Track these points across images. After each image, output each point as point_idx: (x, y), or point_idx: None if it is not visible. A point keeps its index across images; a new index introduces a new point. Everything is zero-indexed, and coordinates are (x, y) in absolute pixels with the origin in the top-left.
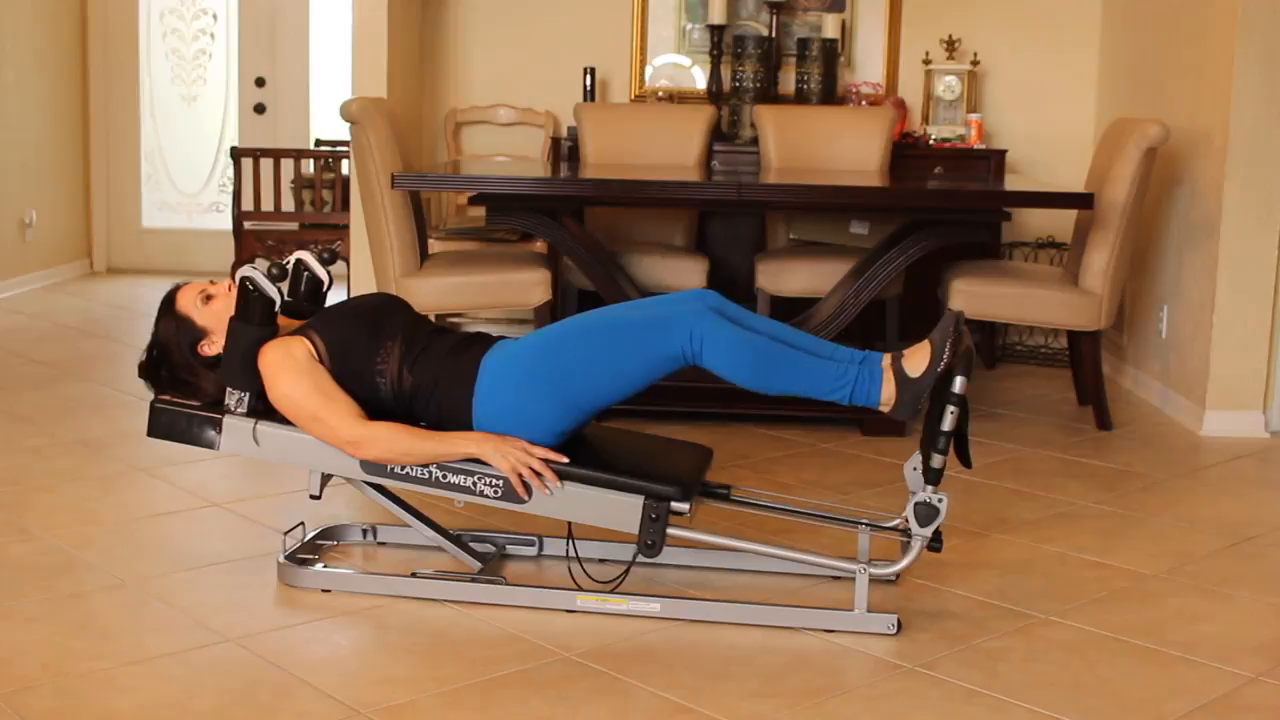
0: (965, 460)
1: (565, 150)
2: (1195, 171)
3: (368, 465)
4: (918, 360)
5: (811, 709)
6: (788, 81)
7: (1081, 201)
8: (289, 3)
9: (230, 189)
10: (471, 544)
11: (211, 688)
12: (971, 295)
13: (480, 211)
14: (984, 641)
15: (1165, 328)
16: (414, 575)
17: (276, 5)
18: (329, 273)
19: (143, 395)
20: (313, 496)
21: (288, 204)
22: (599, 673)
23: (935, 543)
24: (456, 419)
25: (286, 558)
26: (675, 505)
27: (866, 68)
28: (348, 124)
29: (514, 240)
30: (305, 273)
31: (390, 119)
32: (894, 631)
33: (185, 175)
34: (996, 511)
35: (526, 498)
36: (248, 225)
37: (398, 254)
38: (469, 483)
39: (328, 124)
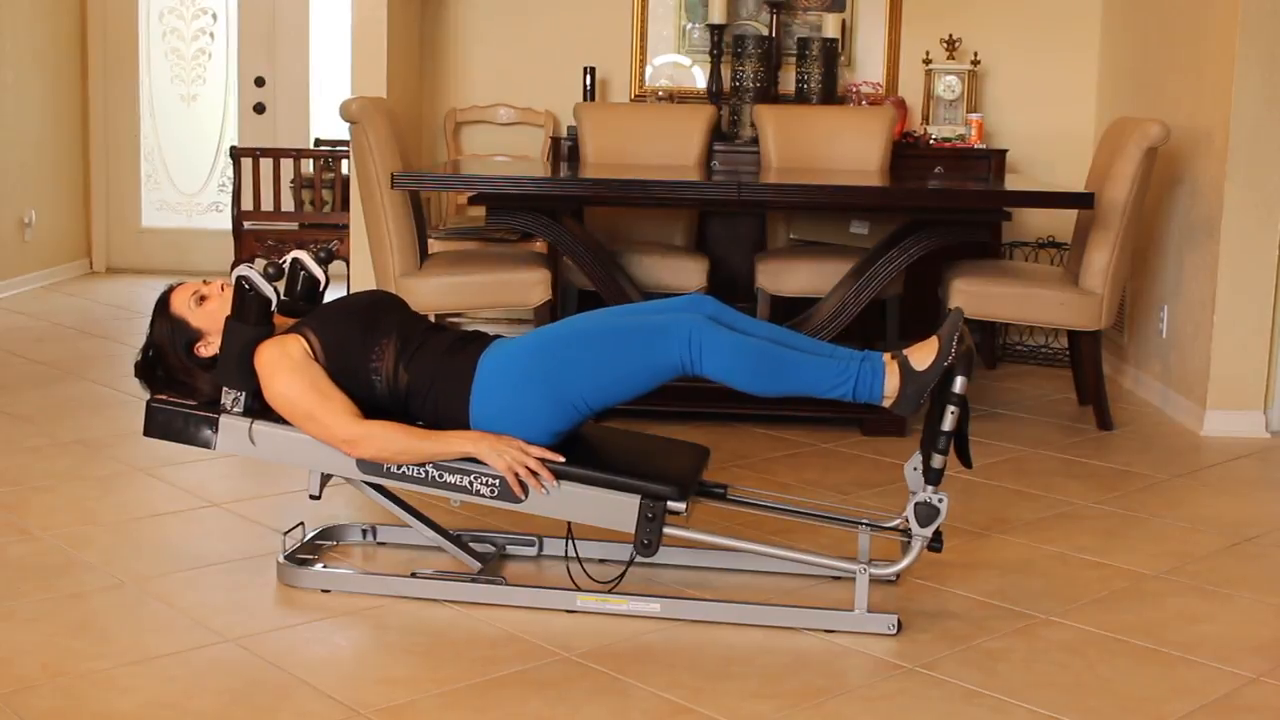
0: (965, 460)
1: (565, 150)
2: (1195, 171)
3: (364, 464)
4: (924, 354)
5: (811, 709)
6: (788, 81)
7: (1082, 201)
8: (289, 3)
9: (230, 189)
10: (471, 544)
11: (211, 688)
12: (971, 295)
13: (480, 211)
14: (984, 641)
15: (1165, 328)
16: (414, 575)
17: (276, 5)
18: (325, 272)
19: (141, 395)
20: (312, 496)
21: (287, 204)
22: (599, 673)
23: (935, 543)
24: (453, 418)
25: (286, 558)
26: (672, 505)
27: (866, 67)
28: (347, 124)
29: (514, 240)
30: (302, 272)
31: (390, 119)
32: (894, 631)
33: (185, 175)
34: (996, 511)
35: (523, 497)
36: (247, 225)
37: (397, 254)
38: (465, 482)
39: (327, 124)
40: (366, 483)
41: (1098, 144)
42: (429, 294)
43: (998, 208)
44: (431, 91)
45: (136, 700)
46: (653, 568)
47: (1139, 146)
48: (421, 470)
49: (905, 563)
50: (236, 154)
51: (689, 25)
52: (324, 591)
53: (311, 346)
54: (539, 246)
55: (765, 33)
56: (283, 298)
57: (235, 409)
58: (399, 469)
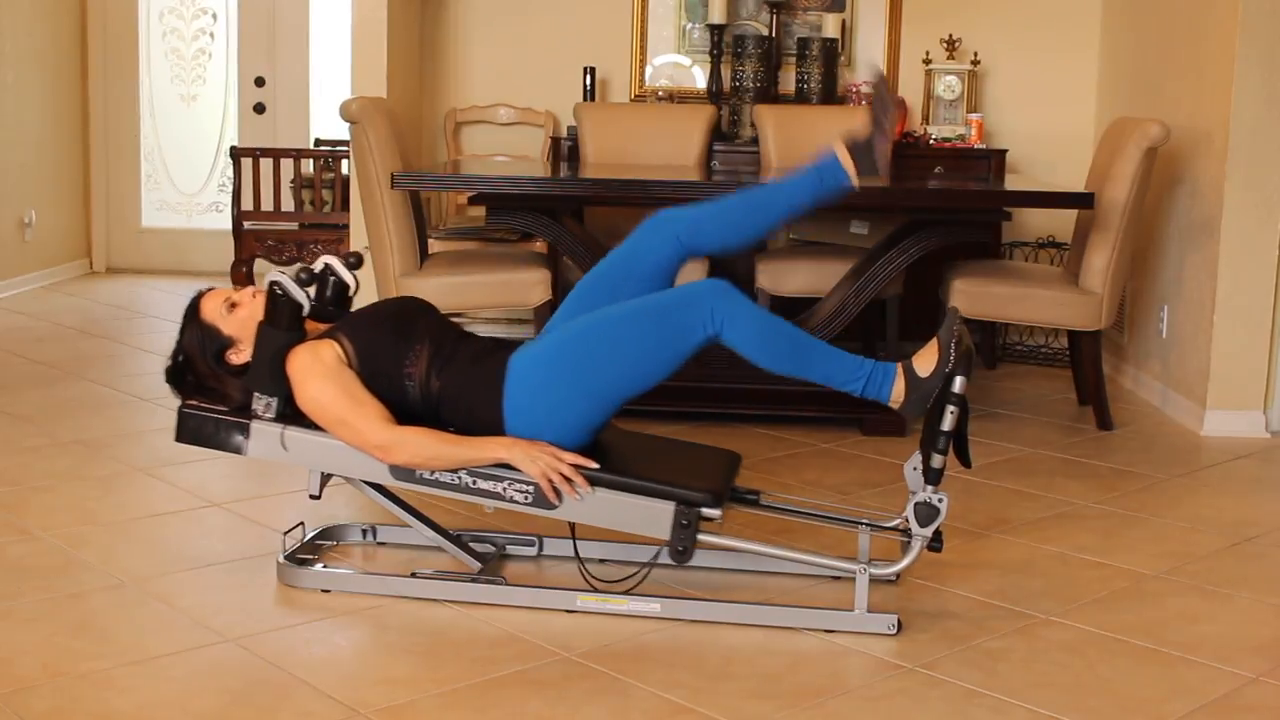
0: (965, 460)
1: (565, 150)
2: (1195, 171)
3: (396, 470)
4: (926, 360)
5: (811, 709)
6: (788, 81)
7: (1082, 201)
8: (289, 3)
9: (230, 189)
10: (471, 544)
11: (211, 688)
12: (971, 295)
13: (480, 211)
14: (984, 641)
15: (1165, 327)
16: (414, 575)
17: (276, 5)
18: (355, 277)
19: (141, 395)
20: (312, 496)
21: (287, 204)
22: (599, 673)
23: (935, 543)
24: (487, 424)
25: (286, 558)
26: (706, 511)
27: (867, 67)
28: (347, 124)
29: (514, 240)
30: (331, 277)
31: (390, 119)
32: (894, 631)
33: (185, 175)
34: (996, 511)
35: (557, 503)
36: (247, 225)
37: (397, 254)
38: (499, 488)
39: (327, 124)
40: (368, 483)
41: (1098, 144)
42: (429, 294)
43: (998, 208)
44: (431, 91)
45: (136, 700)
46: (653, 567)
47: (1139, 146)
48: (454, 476)
49: (905, 563)
50: (236, 154)
51: (689, 25)
52: (324, 591)
53: (344, 352)
54: (539, 246)
55: (765, 33)
56: (313, 303)
57: (267, 414)
58: (431, 475)
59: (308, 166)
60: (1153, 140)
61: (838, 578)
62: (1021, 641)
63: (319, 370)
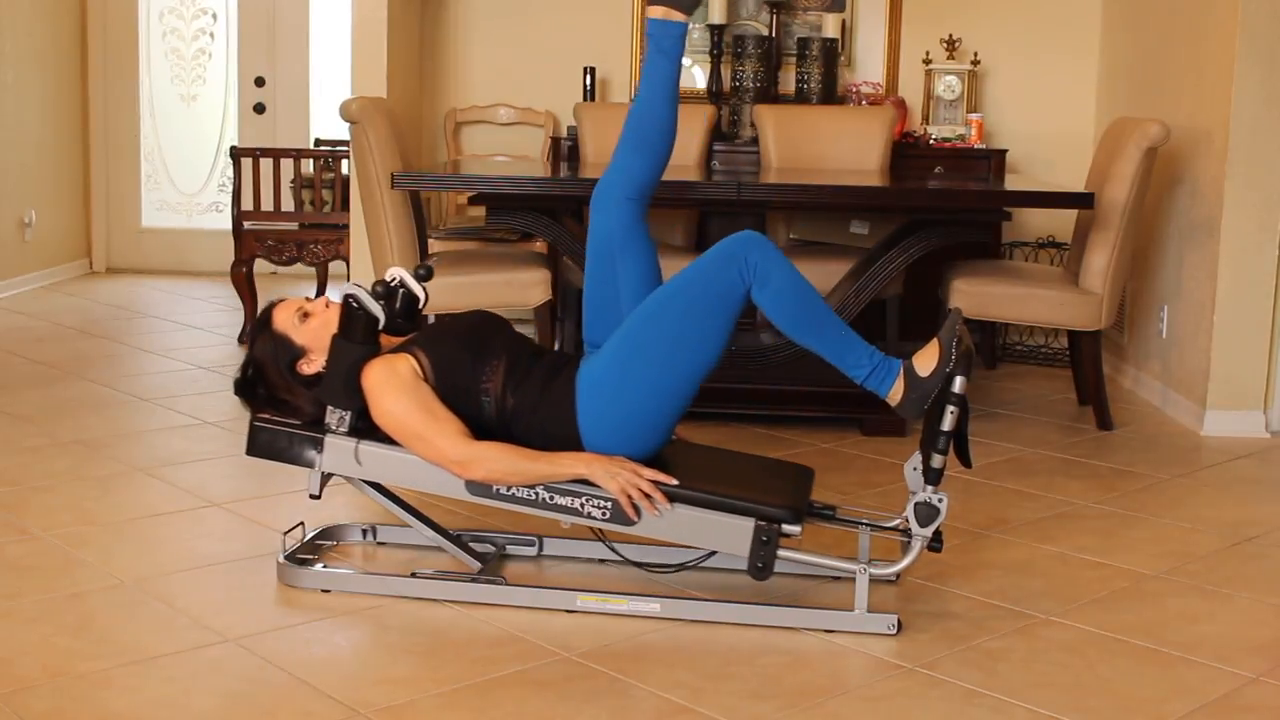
0: (965, 460)
1: (565, 150)
2: (1195, 171)
3: (472, 486)
4: (927, 360)
5: (811, 709)
6: (788, 81)
7: (1082, 201)
8: (289, 3)
9: (230, 189)
10: (471, 544)
11: (211, 688)
12: (971, 295)
13: (480, 211)
14: (984, 641)
15: (1165, 328)
16: (414, 575)
17: (276, 5)
18: (425, 289)
19: (141, 395)
20: (313, 496)
21: (287, 204)
22: (599, 673)
23: (935, 543)
24: (564, 439)
25: (286, 558)
26: (787, 528)
27: (866, 67)
28: (347, 124)
29: (514, 240)
30: (401, 290)
31: (390, 119)
32: (894, 631)
33: (185, 175)
34: (996, 511)
35: (636, 519)
36: (247, 225)
37: (398, 254)
38: (576, 504)
39: (328, 124)
40: (368, 483)
41: (1098, 144)
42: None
43: (998, 208)
44: (431, 91)
45: (136, 700)
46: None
47: (1139, 146)
48: (532, 492)
49: (905, 563)
50: (236, 154)
51: (689, 25)
52: (324, 591)
53: (421, 366)
54: (539, 246)
55: (765, 33)
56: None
57: (340, 428)
58: (508, 491)
59: (308, 166)
60: (1153, 140)
61: (838, 578)
62: (1021, 641)
63: (396, 384)
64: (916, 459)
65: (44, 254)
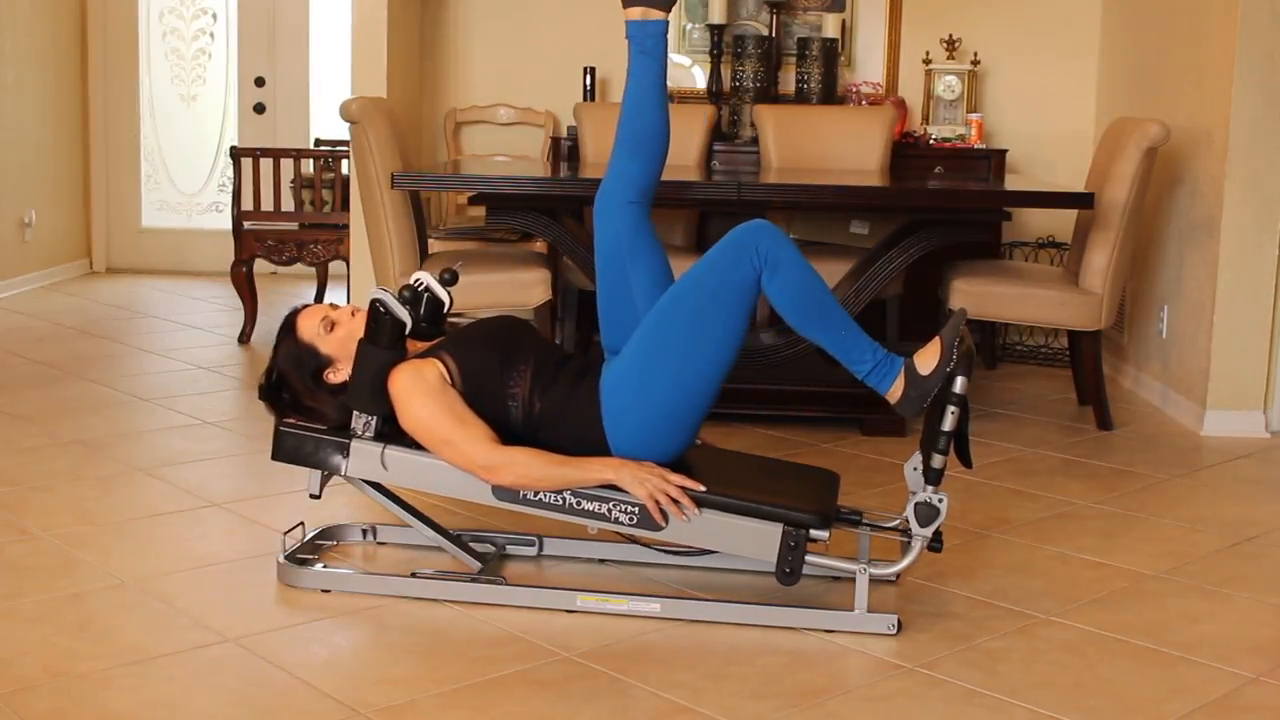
0: (965, 460)
1: (565, 150)
2: (1195, 171)
3: (499, 490)
4: (928, 358)
5: (811, 709)
6: (788, 81)
7: (1082, 201)
8: (289, 3)
9: (230, 189)
10: (471, 544)
11: (211, 688)
12: (971, 295)
13: (480, 211)
14: (984, 641)
15: (1165, 328)
16: (414, 575)
17: (276, 5)
18: (450, 294)
19: (141, 395)
20: (313, 496)
21: (287, 204)
22: (599, 673)
23: (935, 543)
24: (590, 444)
25: (286, 558)
26: (814, 533)
27: (866, 67)
28: (347, 124)
29: (514, 240)
30: (426, 294)
31: (390, 119)
32: (894, 631)
33: (185, 175)
34: (996, 511)
35: (664, 525)
36: (247, 225)
37: (398, 254)
38: (604, 509)
39: (328, 124)
40: (368, 483)
41: (1098, 144)
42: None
43: (998, 208)
44: (431, 91)
45: (136, 700)
46: (653, 567)
47: (1139, 146)
48: (559, 498)
49: (905, 563)
50: (236, 154)
51: (689, 25)
52: (324, 591)
53: (448, 371)
54: (539, 246)
55: (765, 33)
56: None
57: (366, 433)
58: (535, 496)
59: (308, 166)
60: (1153, 140)
61: (838, 578)
62: (1021, 641)
63: (423, 389)
64: (917, 459)
65: (44, 254)
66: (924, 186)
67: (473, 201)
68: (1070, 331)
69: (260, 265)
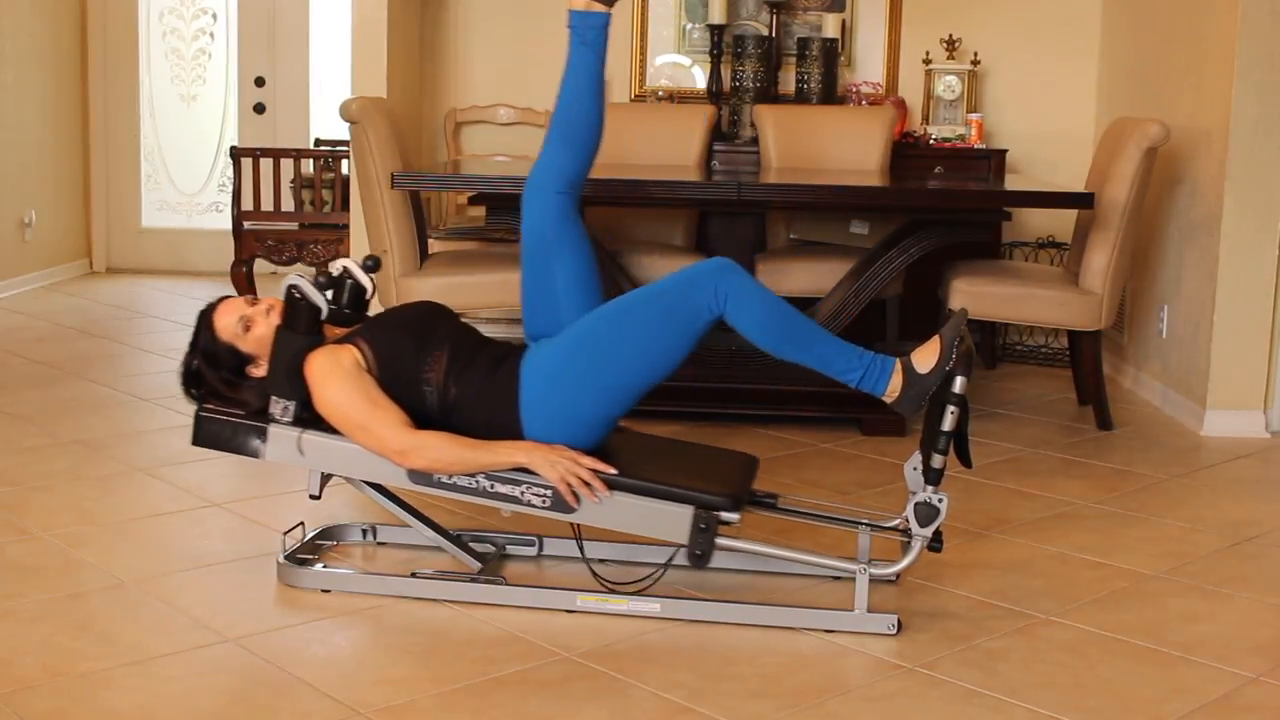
0: (965, 460)
1: None
2: (1195, 171)
3: (414, 474)
4: (927, 357)
5: (811, 709)
6: (788, 81)
7: (1082, 201)
8: (289, 3)
9: (230, 189)
10: (471, 544)
11: (211, 688)
12: (971, 295)
13: (480, 211)
14: (984, 641)
15: (1165, 327)
16: (414, 575)
17: (276, 5)
18: (372, 280)
19: (141, 395)
20: (312, 496)
21: (287, 204)
22: (599, 673)
23: (935, 543)
24: (504, 429)
25: (286, 558)
26: (725, 515)
27: (866, 67)
28: (347, 124)
29: (514, 240)
30: (349, 281)
31: (390, 119)
32: (894, 631)
33: (185, 175)
34: (996, 511)
35: (576, 507)
36: (247, 225)
37: (398, 254)
38: (516, 492)
39: (328, 124)
40: (368, 483)
41: (1098, 144)
42: (429, 294)
43: (998, 208)
44: (431, 91)
45: (136, 700)
46: (653, 568)
47: (1139, 146)
48: (473, 481)
49: (905, 563)
50: (236, 154)
51: (689, 25)
52: (324, 591)
53: (364, 356)
54: None
55: (765, 33)
56: (330, 306)
57: (284, 418)
58: (450, 479)
59: (308, 166)
60: (1153, 140)
61: (838, 578)
62: (1021, 641)
63: (338, 374)
64: (916, 459)
65: (44, 254)
66: (924, 186)
67: (473, 201)
68: (1070, 331)
69: (260, 265)
